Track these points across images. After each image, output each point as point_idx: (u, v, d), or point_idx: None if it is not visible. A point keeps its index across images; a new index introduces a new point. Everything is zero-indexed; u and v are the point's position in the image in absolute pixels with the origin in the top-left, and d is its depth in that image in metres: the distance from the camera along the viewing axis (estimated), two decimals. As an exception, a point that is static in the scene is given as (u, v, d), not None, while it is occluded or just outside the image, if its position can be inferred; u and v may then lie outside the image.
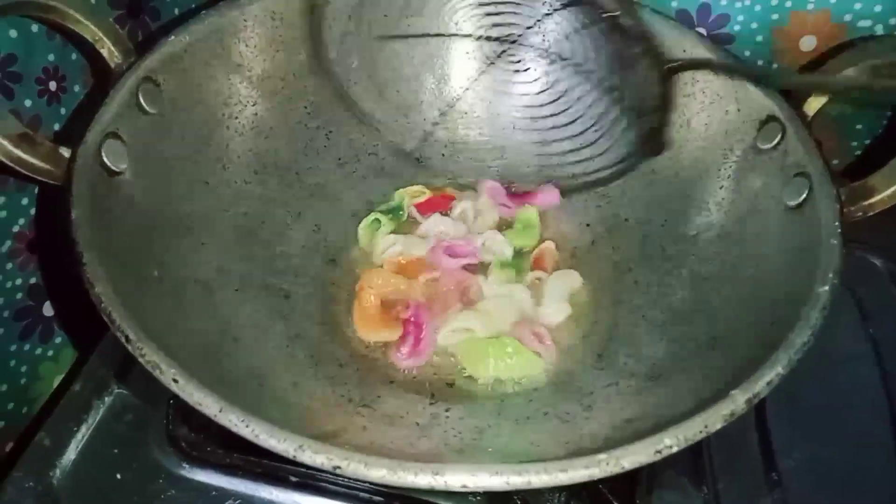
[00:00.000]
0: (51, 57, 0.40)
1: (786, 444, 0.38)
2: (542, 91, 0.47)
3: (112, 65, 0.37)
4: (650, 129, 0.42)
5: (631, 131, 0.44)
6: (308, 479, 0.35)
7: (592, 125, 0.45)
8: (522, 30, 0.46)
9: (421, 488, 0.24)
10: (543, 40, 0.46)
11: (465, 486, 0.24)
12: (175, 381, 0.26)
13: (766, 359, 0.28)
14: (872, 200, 0.35)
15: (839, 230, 0.33)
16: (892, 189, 0.35)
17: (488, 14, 0.46)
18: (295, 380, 0.36)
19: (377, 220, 0.44)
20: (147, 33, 0.46)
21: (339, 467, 0.24)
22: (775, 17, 0.47)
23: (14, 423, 0.43)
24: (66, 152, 0.34)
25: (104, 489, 0.35)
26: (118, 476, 0.36)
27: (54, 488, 0.35)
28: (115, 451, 0.37)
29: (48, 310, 0.44)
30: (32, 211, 0.41)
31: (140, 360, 0.27)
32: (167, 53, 0.38)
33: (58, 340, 0.45)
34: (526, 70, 0.47)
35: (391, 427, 0.33)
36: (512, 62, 0.47)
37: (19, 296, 0.42)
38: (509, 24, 0.46)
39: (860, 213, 0.35)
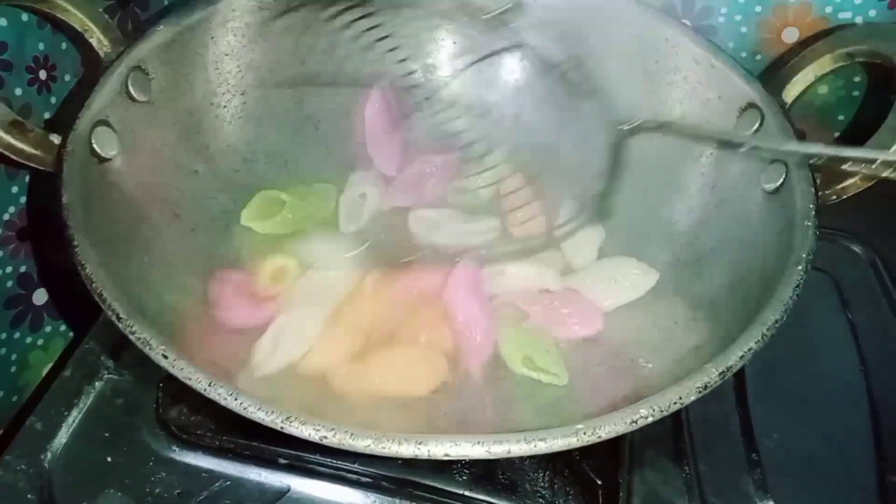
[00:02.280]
0: (41, 46, 0.40)
1: (766, 425, 0.39)
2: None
3: (101, 54, 0.38)
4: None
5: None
6: (296, 461, 0.36)
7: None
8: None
9: (404, 457, 0.24)
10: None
11: (447, 455, 0.24)
12: (165, 356, 0.26)
13: (740, 334, 0.29)
14: (846, 184, 0.36)
15: (814, 213, 0.34)
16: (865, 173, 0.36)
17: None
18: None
19: (282, 200, 0.41)
20: (136, 23, 0.46)
21: (325, 437, 0.24)
22: (759, 9, 0.47)
23: (3, 410, 0.44)
24: (56, 139, 0.35)
25: (95, 471, 0.36)
26: (109, 459, 0.36)
27: (46, 470, 0.36)
28: (106, 434, 0.37)
29: (38, 298, 0.44)
30: (22, 199, 0.42)
31: (131, 336, 0.27)
32: (156, 43, 0.39)
33: (47, 329, 0.46)
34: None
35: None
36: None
37: (9, 284, 0.42)
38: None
39: (835, 197, 0.36)
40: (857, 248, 0.49)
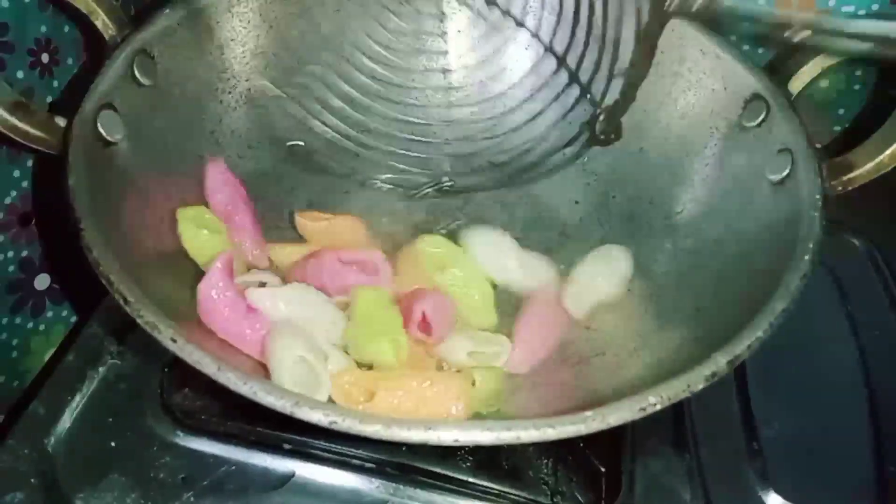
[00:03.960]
0: (43, 28, 0.40)
1: (767, 415, 0.39)
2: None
3: (106, 37, 0.37)
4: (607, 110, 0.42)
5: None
6: (301, 447, 0.36)
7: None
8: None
9: (413, 443, 0.24)
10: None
11: (456, 441, 0.24)
12: (174, 340, 0.26)
13: (747, 323, 0.29)
14: (853, 175, 0.36)
15: (820, 203, 0.34)
16: (872, 164, 0.36)
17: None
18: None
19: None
20: (140, 6, 0.46)
21: (335, 422, 0.24)
22: (761, 2, 0.47)
23: (5, 395, 0.44)
24: (61, 122, 0.34)
25: (99, 457, 0.36)
26: (112, 444, 0.36)
27: (49, 455, 0.36)
28: (110, 419, 0.37)
29: (40, 284, 0.44)
30: (24, 184, 0.41)
31: (138, 320, 0.27)
32: (162, 26, 0.38)
33: (49, 315, 0.46)
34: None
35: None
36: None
37: (11, 269, 0.42)
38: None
39: (841, 188, 0.36)
40: (856, 241, 0.50)
